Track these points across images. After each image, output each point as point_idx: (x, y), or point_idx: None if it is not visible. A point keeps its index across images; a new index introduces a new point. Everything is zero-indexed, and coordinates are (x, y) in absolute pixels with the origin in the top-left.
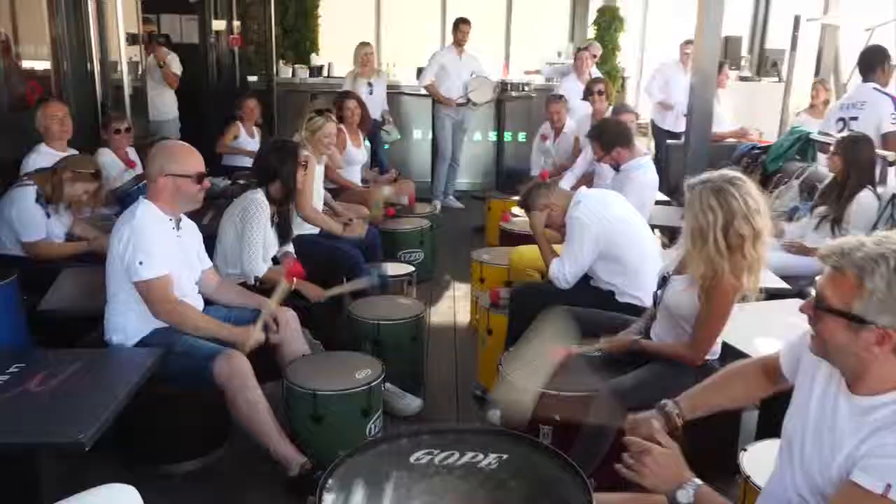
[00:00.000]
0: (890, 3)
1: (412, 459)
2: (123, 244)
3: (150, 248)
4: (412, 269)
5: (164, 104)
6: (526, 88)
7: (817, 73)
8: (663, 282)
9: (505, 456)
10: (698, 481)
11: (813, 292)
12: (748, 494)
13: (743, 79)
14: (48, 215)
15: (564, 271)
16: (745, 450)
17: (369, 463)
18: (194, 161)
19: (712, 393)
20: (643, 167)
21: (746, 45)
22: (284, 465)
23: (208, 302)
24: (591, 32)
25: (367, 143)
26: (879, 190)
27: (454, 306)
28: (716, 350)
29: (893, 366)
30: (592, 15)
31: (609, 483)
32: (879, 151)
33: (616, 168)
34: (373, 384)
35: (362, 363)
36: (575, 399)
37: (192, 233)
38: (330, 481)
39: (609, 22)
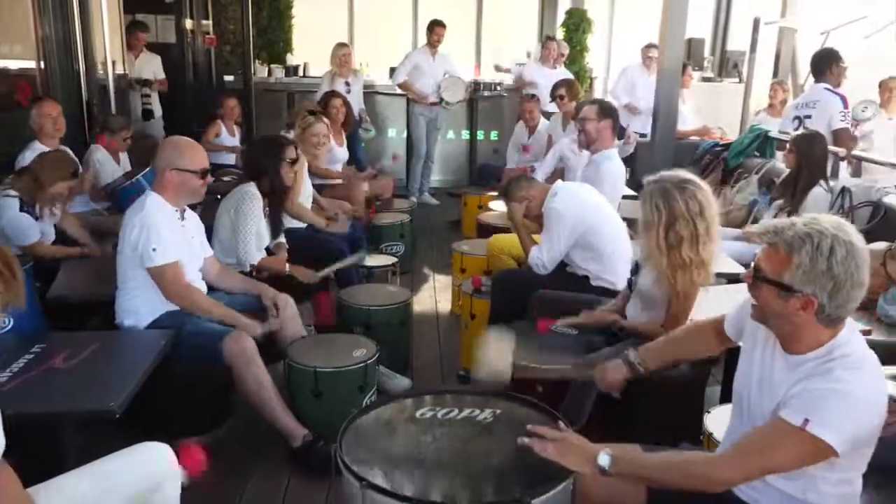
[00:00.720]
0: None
1: (417, 415)
2: (136, 233)
3: (162, 235)
4: (395, 259)
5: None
6: (498, 88)
7: (776, 74)
8: (637, 268)
9: (498, 411)
10: (608, 448)
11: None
12: (710, 447)
13: (706, 79)
14: (36, 219)
15: (543, 258)
16: (708, 412)
17: (380, 418)
18: (199, 157)
19: (671, 347)
20: (611, 159)
21: (709, 47)
22: (288, 437)
23: (211, 288)
24: (560, 34)
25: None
26: (832, 183)
27: (435, 296)
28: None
29: (816, 329)
30: (561, 17)
31: (597, 436)
32: (832, 148)
33: (587, 148)
34: (368, 362)
35: (358, 343)
36: (553, 372)
37: (195, 223)
38: (347, 433)
39: (577, 23)
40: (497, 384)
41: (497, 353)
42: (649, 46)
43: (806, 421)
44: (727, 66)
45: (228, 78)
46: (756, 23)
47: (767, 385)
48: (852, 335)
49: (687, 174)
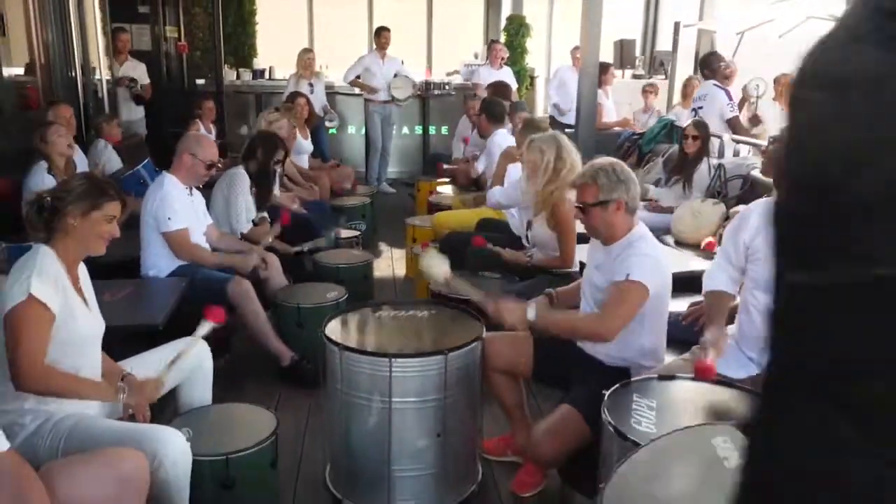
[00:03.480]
0: (758, 9)
1: (376, 315)
2: (156, 206)
3: (175, 208)
4: (359, 232)
5: (132, 106)
6: (447, 87)
7: (695, 71)
8: (529, 225)
9: (434, 311)
10: (534, 306)
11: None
12: None
13: (636, 76)
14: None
15: (497, 197)
16: None
17: (352, 316)
18: (211, 153)
19: (574, 290)
20: (509, 140)
21: (640, 47)
22: (279, 358)
23: (213, 249)
24: (503, 37)
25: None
26: (713, 161)
27: (392, 265)
28: (576, 263)
29: (625, 220)
30: (503, 22)
31: None
32: (724, 135)
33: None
34: (341, 300)
35: (331, 290)
36: (470, 294)
37: (199, 198)
38: (330, 324)
39: (517, 28)
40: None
41: (433, 266)
42: (576, 48)
43: (628, 275)
44: (655, 64)
45: (200, 81)
46: (676, 26)
47: (600, 270)
48: (645, 230)
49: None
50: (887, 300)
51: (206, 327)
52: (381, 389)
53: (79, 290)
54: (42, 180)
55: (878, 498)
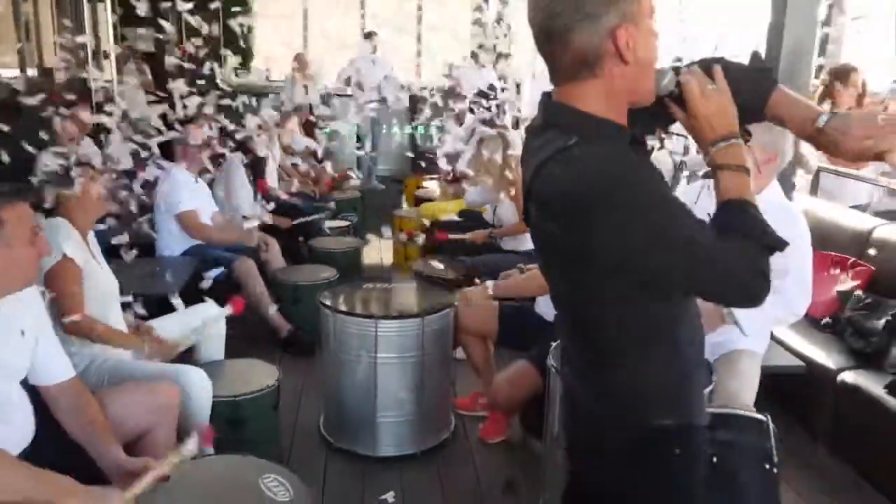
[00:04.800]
0: None
1: (364, 288)
2: (167, 192)
3: (184, 193)
4: (350, 223)
5: (138, 104)
6: (434, 89)
7: None
8: (494, 210)
9: (415, 286)
10: (491, 281)
11: None
12: None
13: None
14: None
15: (472, 197)
16: None
17: (343, 289)
18: (199, 135)
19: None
20: None
21: None
22: (278, 330)
23: None
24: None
25: None
26: (679, 158)
27: (381, 252)
28: None
29: None
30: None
31: None
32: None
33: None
34: (332, 280)
35: (325, 270)
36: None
37: (204, 185)
38: (324, 295)
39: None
40: None
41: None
42: None
43: None
44: None
45: (200, 82)
46: None
47: None
48: None
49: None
50: None
51: (226, 310)
52: (368, 347)
53: (93, 253)
54: None
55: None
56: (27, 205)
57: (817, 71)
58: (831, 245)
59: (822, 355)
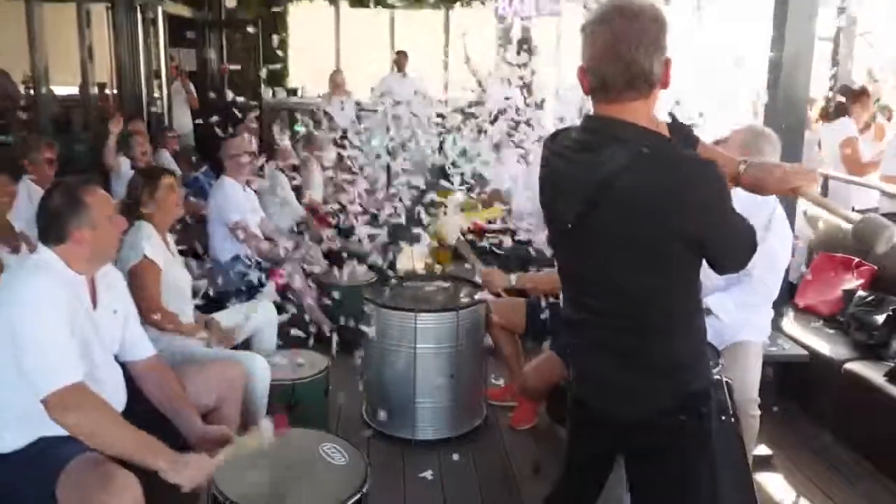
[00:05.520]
0: None
1: (403, 286)
2: (219, 202)
3: (234, 202)
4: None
5: (184, 119)
6: (461, 104)
7: None
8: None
9: (448, 284)
10: (514, 275)
11: None
12: None
13: None
14: None
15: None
16: None
17: (383, 287)
18: (244, 145)
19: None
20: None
21: None
22: (321, 327)
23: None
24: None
25: None
26: None
27: (413, 260)
28: None
29: None
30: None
31: None
32: None
33: None
34: (371, 280)
35: (363, 273)
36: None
37: (252, 195)
38: (368, 291)
39: (526, 50)
40: None
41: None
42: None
43: None
44: None
45: (240, 98)
46: None
47: None
48: None
49: None
50: None
51: (269, 288)
52: (409, 338)
53: (171, 252)
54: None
55: None
56: (102, 189)
57: (831, 84)
58: (839, 247)
59: (828, 347)
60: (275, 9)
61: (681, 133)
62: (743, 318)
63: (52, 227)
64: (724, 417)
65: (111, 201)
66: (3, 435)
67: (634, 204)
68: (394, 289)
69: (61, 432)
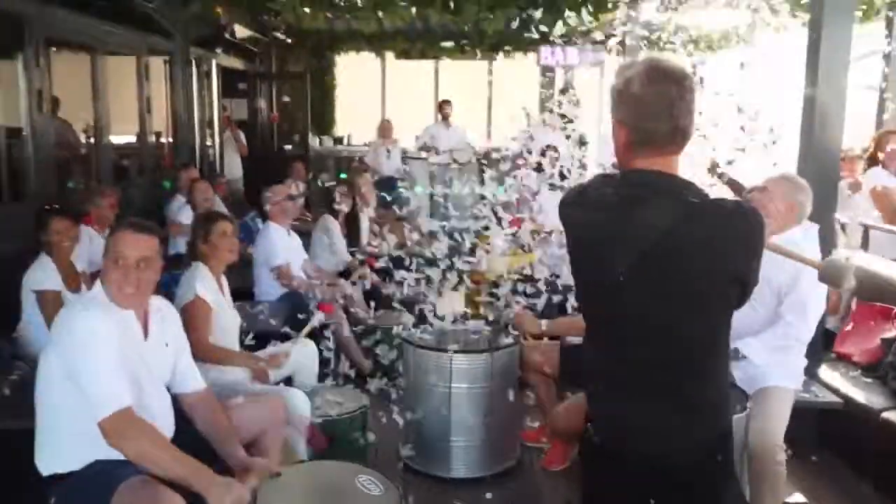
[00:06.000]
0: None
1: (438, 326)
2: (264, 247)
3: (278, 247)
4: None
5: (234, 166)
6: (503, 152)
7: None
8: None
9: (483, 326)
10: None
11: None
12: None
13: None
14: None
15: None
16: None
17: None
18: (283, 191)
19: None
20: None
21: None
22: (361, 367)
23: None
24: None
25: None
26: None
27: (452, 303)
28: None
29: None
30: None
31: None
32: None
33: None
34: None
35: (402, 316)
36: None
37: (296, 238)
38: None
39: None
40: None
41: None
42: None
43: None
44: None
45: (287, 147)
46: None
47: None
48: None
49: None
50: None
51: (318, 317)
52: (444, 377)
53: (223, 294)
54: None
55: None
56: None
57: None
58: (876, 293)
59: (864, 396)
60: (323, 61)
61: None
62: (775, 360)
63: None
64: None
65: (128, 242)
66: (63, 457)
67: (693, 252)
68: (430, 330)
69: (115, 456)
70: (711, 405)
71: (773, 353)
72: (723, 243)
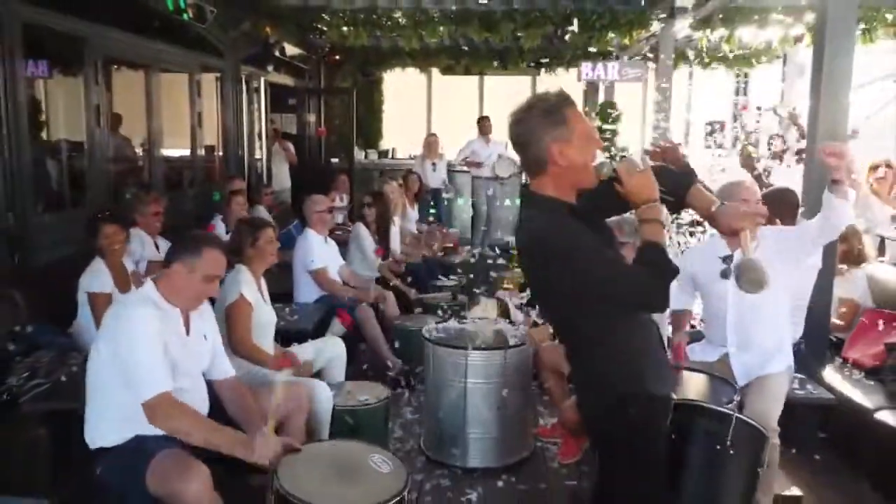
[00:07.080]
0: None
1: (459, 326)
2: (303, 252)
3: (316, 253)
4: (458, 282)
5: (282, 177)
6: None
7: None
8: None
9: (501, 325)
10: None
11: None
12: None
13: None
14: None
15: None
16: None
17: (441, 326)
18: (324, 202)
19: None
20: None
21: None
22: (391, 366)
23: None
24: (597, 121)
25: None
26: None
27: (486, 309)
28: None
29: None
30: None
31: None
32: None
33: None
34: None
35: (433, 319)
36: None
37: (333, 245)
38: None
39: (608, 114)
40: None
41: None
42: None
43: None
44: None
45: (334, 160)
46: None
47: None
48: None
49: None
50: None
51: (336, 326)
52: (460, 373)
53: (262, 294)
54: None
55: None
56: (220, 251)
57: None
58: (892, 302)
59: (860, 395)
60: (370, 77)
61: (672, 179)
62: (775, 344)
63: (171, 252)
64: (718, 447)
65: (221, 266)
66: (107, 433)
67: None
68: (451, 328)
69: (151, 431)
70: (606, 377)
71: (779, 332)
72: (532, 252)
